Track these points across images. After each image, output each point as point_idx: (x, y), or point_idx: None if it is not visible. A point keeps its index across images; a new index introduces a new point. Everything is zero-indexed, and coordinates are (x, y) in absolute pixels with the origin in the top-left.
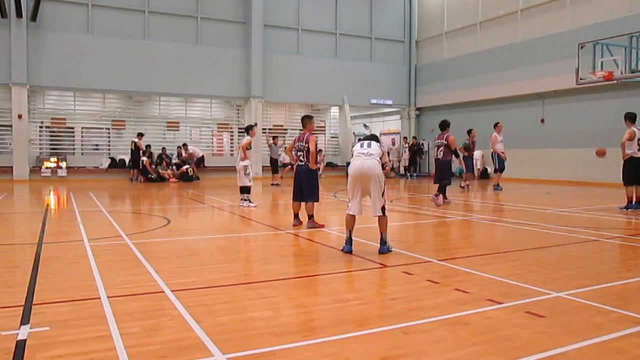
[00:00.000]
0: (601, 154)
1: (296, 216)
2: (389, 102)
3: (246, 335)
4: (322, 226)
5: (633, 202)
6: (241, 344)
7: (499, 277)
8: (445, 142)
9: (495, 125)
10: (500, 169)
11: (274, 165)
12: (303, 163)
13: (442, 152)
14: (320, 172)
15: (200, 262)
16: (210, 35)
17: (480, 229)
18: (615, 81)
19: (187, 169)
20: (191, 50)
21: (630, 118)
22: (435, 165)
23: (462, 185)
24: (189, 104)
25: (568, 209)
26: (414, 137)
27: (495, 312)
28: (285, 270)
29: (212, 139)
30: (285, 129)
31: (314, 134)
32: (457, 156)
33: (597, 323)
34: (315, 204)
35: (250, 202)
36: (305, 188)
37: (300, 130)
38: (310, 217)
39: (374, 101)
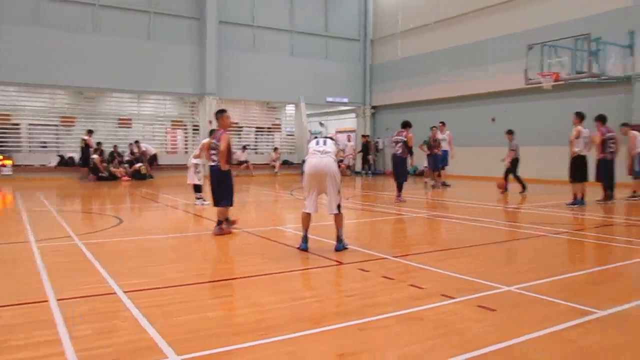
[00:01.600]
0: (501, 187)
1: (224, 222)
2: (345, 100)
3: (202, 335)
4: (230, 232)
5: (579, 198)
6: (196, 344)
7: (452, 273)
8: (404, 139)
9: (439, 124)
10: (442, 166)
11: None
12: (215, 163)
13: (400, 149)
14: (234, 173)
15: (154, 262)
16: (164, 30)
17: (435, 226)
18: (562, 82)
19: (139, 167)
20: (144, 46)
21: (579, 116)
22: (393, 161)
23: (430, 183)
24: (142, 100)
25: (518, 206)
26: (364, 136)
27: (448, 306)
28: (241, 268)
29: (166, 136)
30: (241, 127)
31: (229, 131)
32: (412, 154)
33: (545, 315)
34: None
35: (204, 200)
36: (217, 191)
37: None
38: (220, 222)
39: (329, 99)
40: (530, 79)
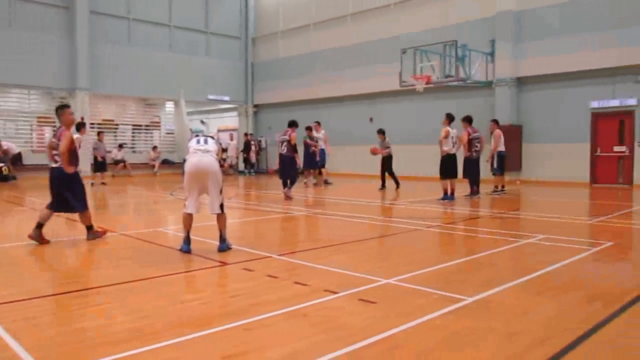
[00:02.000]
0: (375, 152)
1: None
2: (226, 98)
3: (76, 348)
4: (105, 233)
5: (449, 194)
6: (69, 358)
7: (334, 269)
8: (288, 139)
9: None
10: (322, 164)
11: (98, 164)
12: (58, 165)
13: (285, 148)
14: (79, 170)
15: (20, 271)
16: (27, 18)
17: (317, 223)
18: (432, 85)
19: (1, 167)
20: (3, 35)
21: (448, 117)
22: (280, 160)
23: (310, 182)
24: (3, 94)
25: (395, 202)
26: (246, 134)
27: (331, 302)
28: (119, 274)
29: (32, 134)
30: (117, 124)
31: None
32: (296, 152)
33: (420, 305)
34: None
35: None
36: (60, 195)
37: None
38: (89, 227)
39: (211, 97)
40: (404, 82)
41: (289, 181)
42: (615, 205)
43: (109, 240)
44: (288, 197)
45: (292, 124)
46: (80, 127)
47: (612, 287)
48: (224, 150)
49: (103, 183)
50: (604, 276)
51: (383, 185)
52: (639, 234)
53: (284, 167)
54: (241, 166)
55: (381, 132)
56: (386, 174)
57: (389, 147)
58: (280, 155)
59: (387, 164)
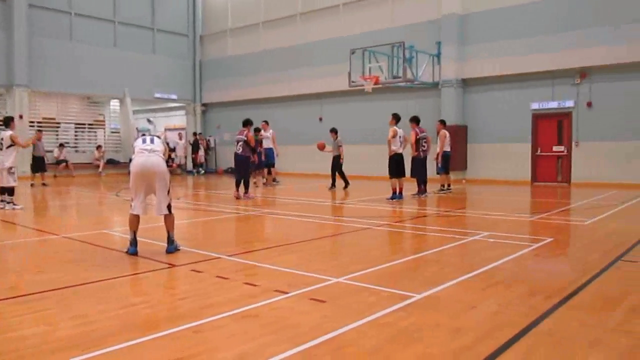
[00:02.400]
0: (321, 147)
1: None
2: (174, 96)
3: (16, 357)
4: None
5: (397, 193)
6: None
7: (285, 268)
8: (245, 139)
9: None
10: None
11: (38, 163)
12: None
13: (241, 147)
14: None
15: None
16: None
17: (267, 223)
18: (381, 85)
19: None
20: None
21: (395, 117)
22: (235, 159)
23: (260, 182)
24: None
25: (345, 201)
26: (195, 134)
27: (282, 302)
28: (62, 278)
29: None
30: (58, 123)
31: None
32: (255, 152)
33: (370, 303)
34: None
35: (14, 204)
36: None
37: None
38: None
39: (158, 95)
40: (354, 82)
41: (240, 181)
42: (555, 203)
43: (52, 243)
44: (246, 197)
45: (247, 123)
46: (9, 121)
47: (552, 281)
48: (172, 150)
49: (44, 184)
50: (545, 271)
51: (333, 185)
52: (577, 230)
53: (238, 167)
54: (190, 166)
55: (334, 131)
56: (336, 174)
57: (341, 145)
58: (235, 154)
59: (337, 163)
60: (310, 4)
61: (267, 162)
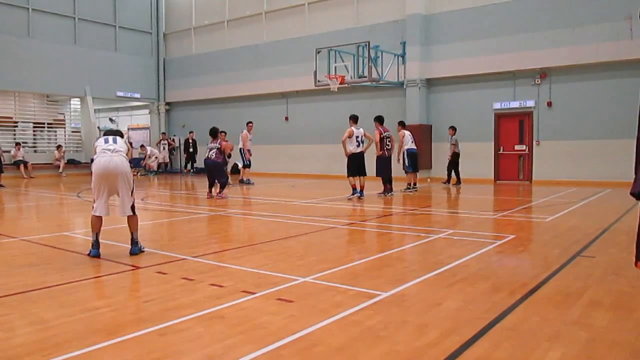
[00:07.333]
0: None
1: None
2: (137, 95)
3: None
4: None
5: (358, 190)
6: None
7: (251, 269)
8: (219, 147)
9: (247, 124)
10: (247, 165)
11: None
12: None
13: (214, 154)
14: None
15: None
16: None
17: (234, 223)
18: (346, 85)
19: None
20: None
21: (352, 118)
22: (206, 165)
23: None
24: None
25: (310, 200)
26: (163, 133)
27: (249, 302)
28: (19, 283)
29: None
30: (16, 122)
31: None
32: (230, 157)
33: (337, 302)
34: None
35: None
36: None
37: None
38: None
39: (120, 94)
40: (319, 81)
41: (219, 185)
42: (517, 201)
43: (9, 246)
44: (219, 197)
45: (217, 132)
46: None
47: (515, 277)
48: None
49: (0, 185)
50: (507, 267)
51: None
52: (538, 227)
53: (211, 172)
54: (177, 166)
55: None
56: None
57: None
58: (207, 160)
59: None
60: (276, 3)
61: (247, 162)
